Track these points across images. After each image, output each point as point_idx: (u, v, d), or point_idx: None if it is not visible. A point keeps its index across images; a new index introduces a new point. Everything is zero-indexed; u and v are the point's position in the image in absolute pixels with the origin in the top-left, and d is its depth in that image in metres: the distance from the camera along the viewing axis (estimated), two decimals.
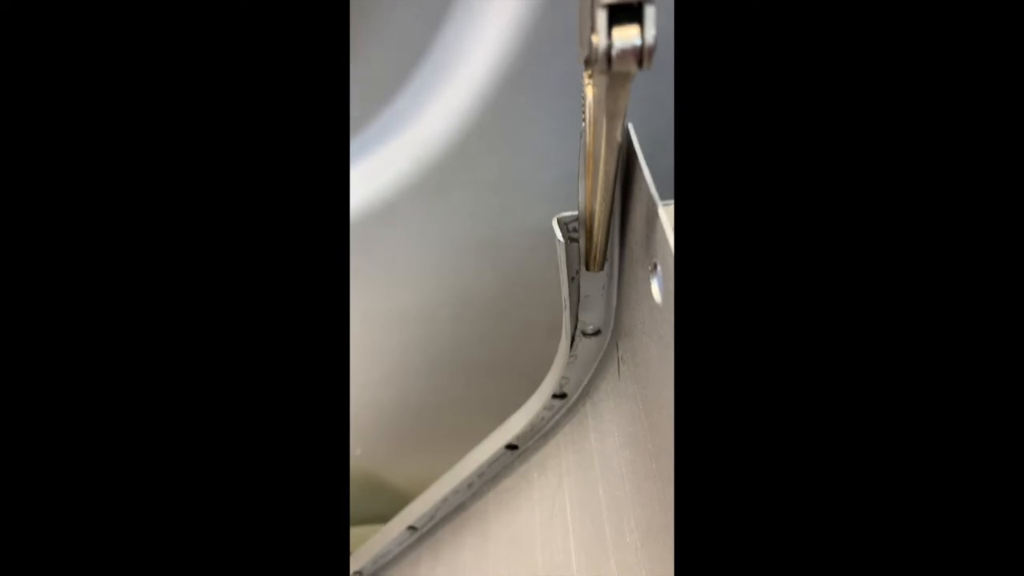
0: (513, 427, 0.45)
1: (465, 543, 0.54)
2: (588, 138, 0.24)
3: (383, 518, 0.79)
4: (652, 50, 0.17)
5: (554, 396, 0.42)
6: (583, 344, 0.37)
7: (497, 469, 0.50)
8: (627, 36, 0.17)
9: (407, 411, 0.72)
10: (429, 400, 0.72)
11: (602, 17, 0.17)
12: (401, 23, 0.42)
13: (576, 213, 0.29)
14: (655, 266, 0.25)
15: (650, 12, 0.17)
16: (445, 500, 0.54)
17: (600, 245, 0.29)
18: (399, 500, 0.83)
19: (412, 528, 0.61)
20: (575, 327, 0.36)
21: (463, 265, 0.57)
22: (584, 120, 0.24)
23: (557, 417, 0.44)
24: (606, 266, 0.32)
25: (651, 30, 0.17)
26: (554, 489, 0.44)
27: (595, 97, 0.23)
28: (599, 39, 0.17)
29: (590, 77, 0.23)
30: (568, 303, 0.34)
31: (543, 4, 0.40)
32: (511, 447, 0.47)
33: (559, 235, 0.30)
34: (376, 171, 0.48)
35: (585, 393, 0.41)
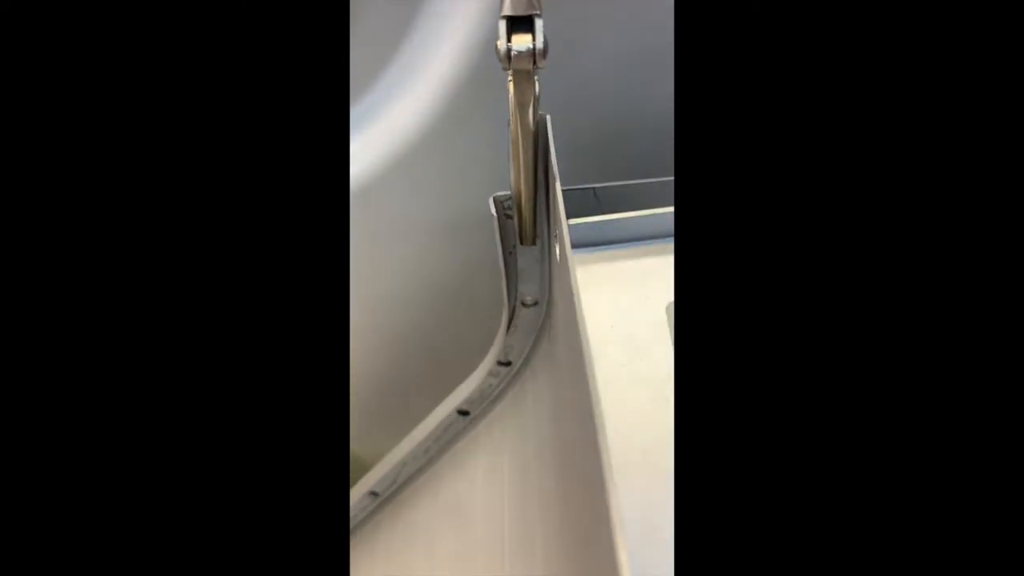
0: (463, 392, 0.50)
1: (420, 504, 0.59)
2: (512, 127, 0.29)
3: None
4: (543, 51, 0.22)
5: (499, 363, 0.46)
6: (523, 314, 0.42)
7: (451, 434, 0.55)
8: (522, 41, 0.22)
9: (379, 394, 0.77)
10: (398, 381, 0.76)
11: (503, 27, 0.22)
12: (376, 22, 0.47)
13: (509, 193, 0.34)
14: (558, 233, 0.30)
15: (539, 23, 0.22)
16: (404, 464, 0.59)
17: (528, 220, 0.34)
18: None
19: (373, 493, 0.65)
20: (515, 298, 0.41)
21: (431, 250, 0.61)
22: (510, 116, 0.29)
23: (503, 384, 0.49)
24: (538, 241, 0.37)
25: (540, 37, 0.22)
26: (495, 451, 0.49)
27: (512, 93, 0.28)
28: (501, 44, 0.22)
29: (511, 74, 0.28)
30: (506, 276, 0.39)
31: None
32: (462, 412, 0.52)
33: (494, 212, 0.35)
34: (351, 159, 0.53)
35: (526, 360, 0.46)
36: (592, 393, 0.24)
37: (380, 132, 0.51)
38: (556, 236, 0.31)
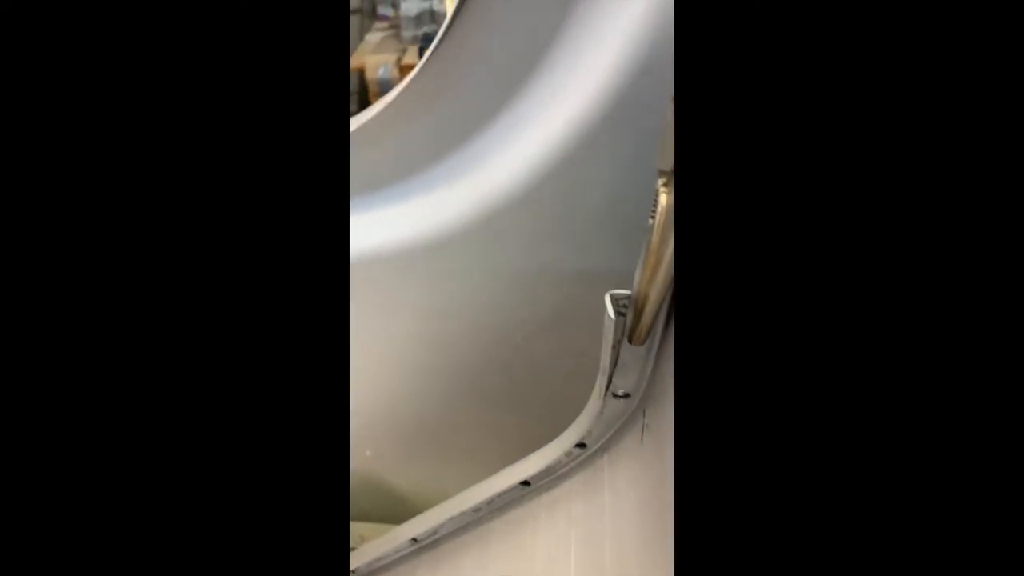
0: (531, 466, 0.48)
1: (464, 563, 0.57)
2: (655, 237, 0.27)
3: (379, 518, 0.82)
4: None
5: (576, 445, 0.44)
6: (612, 404, 0.40)
7: (506, 500, 0.52)
8: None
9: (421, 425, 0.75)
10: (444, 418, 0.74)
11: (660, 182, 0.20)
12: (482, 85, 0.45)
13: (628, 292, 0.32)
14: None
15: None
16: (451, 519, 0.57)
17: (647, 324, 0.32)
18: (397, 503, 0.85)
19: (414, 540, 0.63)
20: (608, 388, 0.39)
21: (502, 301, 0.60)
22: (652, 219, 0.27)
23: (573, 464, 0.46)
24: (648, 342, 0.34)
25: None
26: (561, 532, 0.46)
27: (667, 204, 0.26)
28: (659, 191, 0.20)
29: (664, 185, 0.26)
30: (606, 368, 0.37)
31: (609, 85, 0.44)
32: (524, 483, 0.50)
33: (610, 311, 0.33)
34: (439, 207, 0.52)
35: (604, 448, 0.44)
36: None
37: (470, 187, 0.49)
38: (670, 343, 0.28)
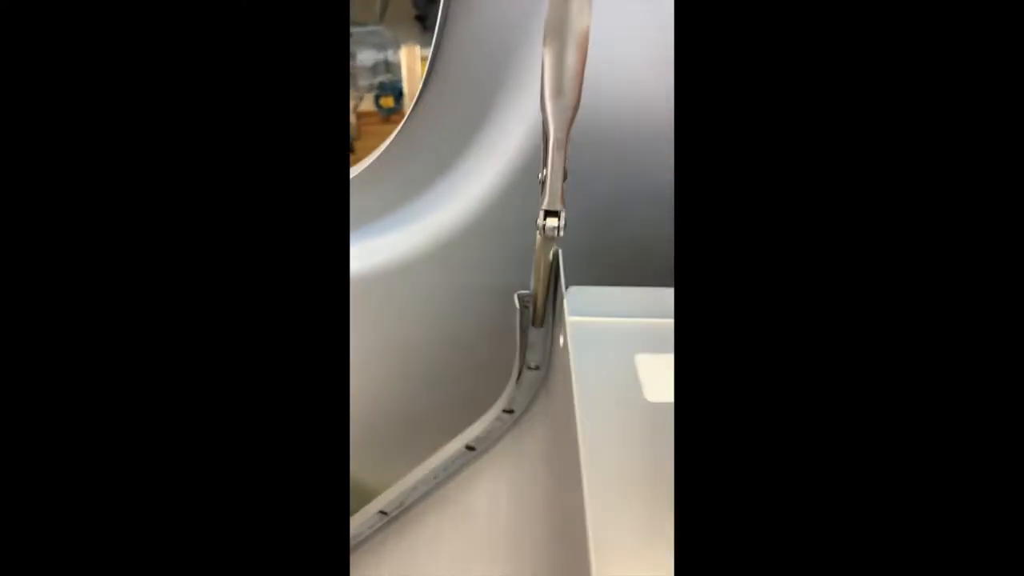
0: (472, 432, 0.64)
1: (427, 519, 0.71)
2: (537, 258, 0.45)
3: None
4: (563, 228, 0.37)
5: (504, 411, 0.61)
6: (527, 375, 0.56)
7: (458, 465, 0.68)
8: (552, 223, 0.37)
9: (390, 422, 0.90)
10: (408, 415, 0.89)
11: (542, 214, 0.37)
12: (442, 143, 0.62)
13: (529, 291, 0.49)
14: (563, 328, 0.45)
15: (562, 215, 0.37)
16: (414, 488, 0.72)
17: (540, 312, 0.49)
18: (368, 498, 0.99)
19: (383, 513, 0.77)
20: (523, 363, 0.55)
21: (452, 312, 0.76)
22: (536, 249, 0.44)
23: (506, 428, 0.62)
24: (544, 326, 0.51)
25: (562, 222, 0.37)
26: (496, 478, 0.62)
27: (539, 244, 0.43)
28: (539, 221, 0.37)
29: (538, 225, 0.43)
30: (520, 346, 0.53)
31: (528, 144, 0.62)
32: (470, 448, 0.65)
33: (517, 304, 0.50)
34: (402, 241, 0.68)
35: (526, 410, 0.60)
36: (578, 426, 0.38)
37: (429, 224, 0.66)
38: (558, 324, 0.45)
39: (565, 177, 0.35)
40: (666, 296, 0.59)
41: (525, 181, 0.64)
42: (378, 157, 0.64)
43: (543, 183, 0.36)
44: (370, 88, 2.42)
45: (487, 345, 0.79)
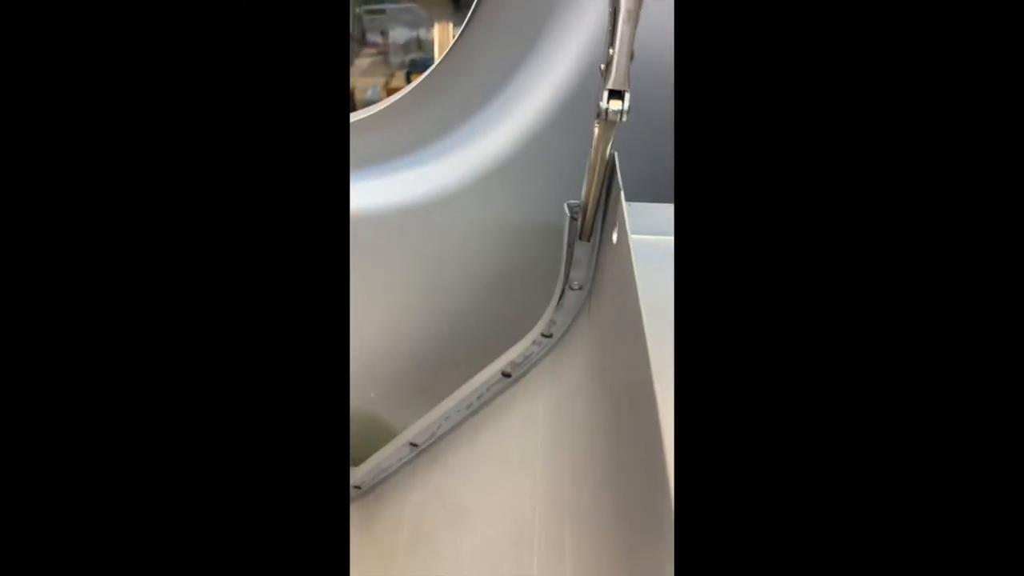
0: (507, 357, 0.64)
1: (459, 449, 0.72)
2: (593, 157, 0.45)
3: None
4: (627, 112, 0.38)
5: (543, 335, 0.61)
6: (569, 295, 0.57)
7: (493, 393, 0.69)
8: (616, 105, 0.38)
9: (419, 364, 0.91)
10: (438, 357, 0.90)
11: (606, 94, 0.38)
12: (485, 69, 0.63)
13: (579, 201, 0.50)
14: (615, 227, 0.46)
15: (627, 96, 0.38)
16: (446, 418, 0.73)
17: (589, 222, 0.50)
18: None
19: (413, 444, 0.78)
20: (566, 282, 0.56)
21: (484, 250, 0.77)
22: (593, 143, 0.45)
23: (543, 352, 0.63)
24: (592, 239, 0.52)
25: (627, 104, 0.38)
26: (531, 400, 0.63)
27: (598, 134, 0.43)
28: (603, 103, 0.38)
29: (597, 123, 0.44)
30: (565, 263, 0.54)
31: (566, 84, 0.62)
32: (505, 374, 0.66)
33: (567, 212, 0.50)
34: (444, 171, 0.69)
35: (565, 334, 0.61)
36: (643, 336, 0.36)
37: (473, 154, 0.67)
38: (611, 235, 0.46)
39: (632, 56, 0.36)
40: None
41: (565, 116, 0.65)
42: (417, 87, 0.65)
43: (607, 64, 0.37)
44: (401, 66, 2.43)
45: (519, 284, 0.80)
